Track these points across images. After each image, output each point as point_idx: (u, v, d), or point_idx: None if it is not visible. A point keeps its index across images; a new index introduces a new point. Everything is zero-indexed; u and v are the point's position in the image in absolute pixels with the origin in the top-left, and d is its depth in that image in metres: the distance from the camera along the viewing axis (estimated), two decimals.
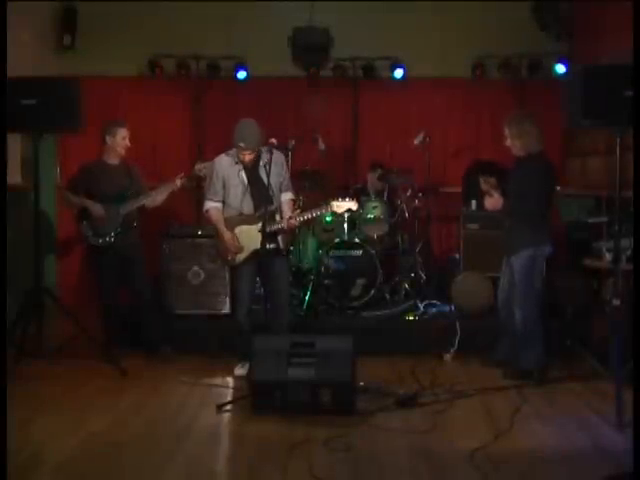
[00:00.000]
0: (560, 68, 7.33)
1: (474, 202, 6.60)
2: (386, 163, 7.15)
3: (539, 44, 7.45)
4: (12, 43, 5.42)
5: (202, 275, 6.12)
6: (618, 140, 4.33)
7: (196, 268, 6.11)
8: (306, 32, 7.17)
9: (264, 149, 5.09)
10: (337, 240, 6.42)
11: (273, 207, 5.11)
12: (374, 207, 6.66)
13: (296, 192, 5.69)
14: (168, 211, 6.10)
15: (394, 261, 6.76)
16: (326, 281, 6.33)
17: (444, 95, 7.72)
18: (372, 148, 7.76)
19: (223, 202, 5.18)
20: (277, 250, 5.16)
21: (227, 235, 5.12)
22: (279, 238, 5.17)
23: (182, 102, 7.76)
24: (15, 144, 6.37)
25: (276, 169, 5.12)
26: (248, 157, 5.04)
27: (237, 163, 5.10)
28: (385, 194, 6.87)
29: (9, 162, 5.74)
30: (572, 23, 7.38)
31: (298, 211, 5.25)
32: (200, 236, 6.17)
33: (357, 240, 6.43)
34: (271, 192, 5.05)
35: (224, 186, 5.13)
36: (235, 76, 7.54)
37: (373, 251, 6.35)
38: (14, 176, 6.45)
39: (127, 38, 7.53)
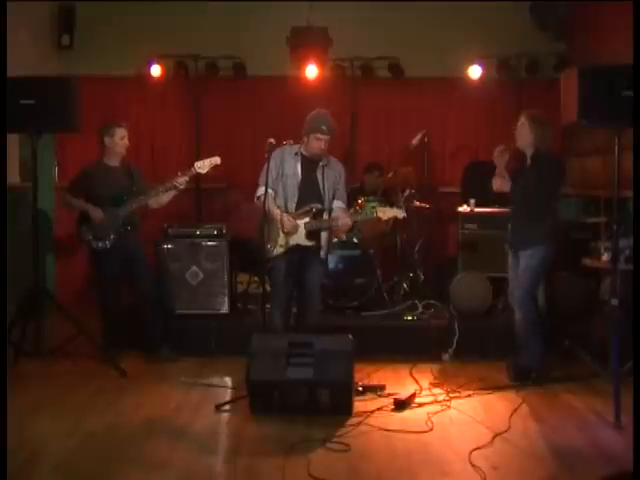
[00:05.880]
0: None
1: (473, 202, 6.60)
2: (384, 163, 7.15)
3: (538, 44, 7.47)
4: (10, 43, 5.41)
5: (200, 275, 6.11)
6: (616, 140, 4.34)
7: (195, 268, 6.11)
8: (304, 32, 7.17)
9: (325, 157, 5.08)
10: (335, 240, 6.42)
11: (320, 206, 5.06)
12: (372, 207, 6.64)
13: None
14: (167, 211, 6.10)
15: (393, 261, 6.76)
16: (325, 281, 6.32)
17: (442, 95, 7.72)
18: (370, 148, 7.78)
19: (275, 191, 5.08)
20: (316, 250, 5.11)
21: (284, 216, 4.98)
22: (322, 239, 5.13)
23: (181, 102, 7.77)
24: (13, 144, 6.37)
25: (333, 174, 5.12)
26: (323, 146, 4.97)
27: (297, 155, 5.04)
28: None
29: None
30: (571, 23, 7.39)
31: (351, 211, 5.25)
32: (199, 236, 6.16)
33: (355, 240, 6.43)
34: (323, 193, 5.05)
35: (278, 175, 5.04)
36: (234, 76, 7.55)
37: (372, 251, 6.35)
38: (12, 176, 6.45)
39: (126, 38, 7.54)
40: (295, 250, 5.06)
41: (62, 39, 7.44)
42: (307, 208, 5.03)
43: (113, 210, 5.51)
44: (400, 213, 5.12)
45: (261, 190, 5.04)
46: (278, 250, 5.07)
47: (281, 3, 7.40)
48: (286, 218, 5.00)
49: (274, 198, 5.08)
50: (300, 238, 5.02)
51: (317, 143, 4.97)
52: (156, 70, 7.50)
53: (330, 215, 5.14)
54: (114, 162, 5.63)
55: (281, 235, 5.05)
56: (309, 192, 5.06)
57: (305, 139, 5.02)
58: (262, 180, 5.04)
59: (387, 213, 5.08)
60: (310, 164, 5.07)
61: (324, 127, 4.94)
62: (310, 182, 5.07)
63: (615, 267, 4.41)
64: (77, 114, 5.18)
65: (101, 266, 5.63)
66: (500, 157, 5.07)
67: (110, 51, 7.51)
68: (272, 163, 5.03)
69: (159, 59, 7.48)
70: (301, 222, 5.03)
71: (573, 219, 6.55)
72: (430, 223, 7.27)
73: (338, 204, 5.17)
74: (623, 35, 5.23)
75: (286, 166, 5.04)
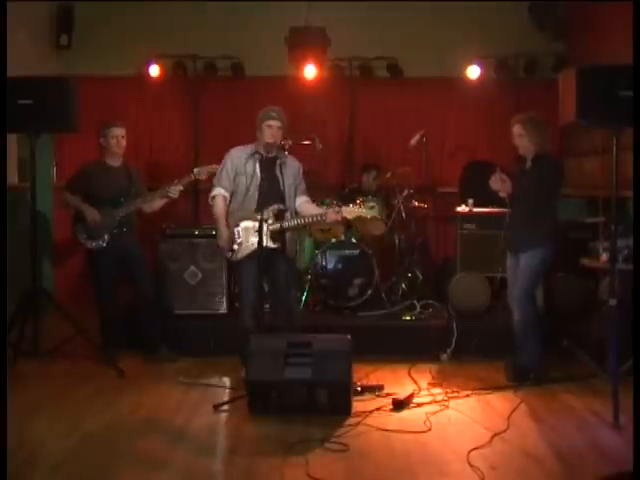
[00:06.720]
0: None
1: (471, 202, 6.61)
2: (383, 163, 7.15)
3: (536, 44, 7.48)
4: (9, 43, 5.40)
5: (199, 275, 6.11)
6: (614, 140, 4.34)
7: (193, 268, 6.11)
8: (303, 32, 7.17)
9: (282, 153, 5.05)
10: (334, 240, 6.42)
11: (281, 206, 5.01)
12: (371, 207, 6.63)
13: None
14: (165, 211, 6.09)
15: (391, 261, 6.76)
16: (323, 281, 6.33)
17: (441, 95, 7.73)
18: (369, 148, 7.78)
19: (231, 194, 5.06)
20: (281, 250, 5.05)
21: (224, 233, 5.00)
22: (287, 239, 5.07)
23: (179, 102, 7.77)
24: (11, 144, 6.36)
25: (292, 172, 5.09)
26: (275, 132, 4.96)
27: (254, 155, 5.01)
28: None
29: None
30: (569, 23, 7.40)
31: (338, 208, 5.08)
32: (197, 236, 6.16)
33: (354, 240, 6.43)
34: (283, 191, 5.00)
35: (235, 176, 5.02)
36: (232, 76, 7.56)
37: (370, 251, 6.35)
38: (11, 176, 6.45)
39: (124, 38, 7.54)
40: (262, 251, 4.92)
41: (61, 39, 7.44)
42: (266, 210, 4.93)
43: (110, 210, 5.51)
44: (366, 213, 5.08)
45: (215, 191, 5.08)
46: (241, 254, 5.01)
47: (279, 3, 7.40)
48: (225, 239, 4.98)
49: (230, 201, 5.07)
50: (265, 239, 4.90)
51: (269, 130, 4.97)
52: (155, 70, 7.51)
53: (295, 213, 5.09)
54: (113, 162, 5.63)
55: (244, 238, 5.00)
56: (269, 191, 4.99)
57: (258, 134, 5.02)
58: (216, 181, 5.09)
59: (352, 213, 5.02)
60: (268, 163, 5.04)
61: (273, 113, 4.98)
62: (270, 181, 5.01)
63: (613, 267, 4.42)
64: (75, 114, 5.17)
65: (97, 265, 5.62)
66: (497, 183, 5.02)
67: (109, 51, 7.51)
68: (229, 163, 5.05)
69: (158, 59, 7.49)
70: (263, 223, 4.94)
71: (571, 219, 6.56)
72: (428, 223, 7.26)
73: (302, 199, 5.16)
74: (622, 35, 5.24)
75: (244, 166, 5.01)
